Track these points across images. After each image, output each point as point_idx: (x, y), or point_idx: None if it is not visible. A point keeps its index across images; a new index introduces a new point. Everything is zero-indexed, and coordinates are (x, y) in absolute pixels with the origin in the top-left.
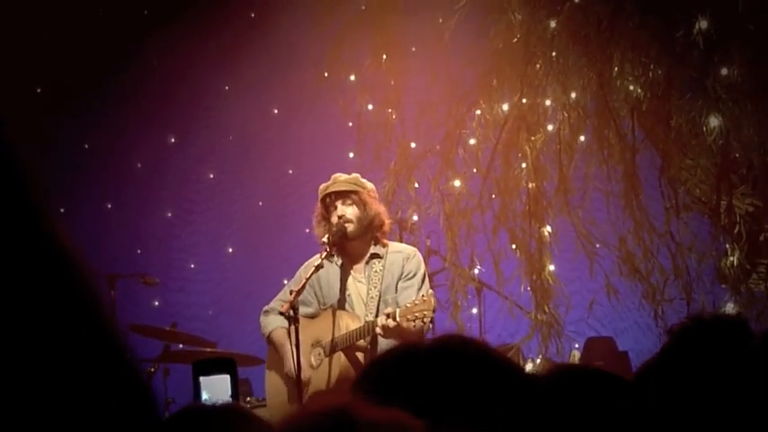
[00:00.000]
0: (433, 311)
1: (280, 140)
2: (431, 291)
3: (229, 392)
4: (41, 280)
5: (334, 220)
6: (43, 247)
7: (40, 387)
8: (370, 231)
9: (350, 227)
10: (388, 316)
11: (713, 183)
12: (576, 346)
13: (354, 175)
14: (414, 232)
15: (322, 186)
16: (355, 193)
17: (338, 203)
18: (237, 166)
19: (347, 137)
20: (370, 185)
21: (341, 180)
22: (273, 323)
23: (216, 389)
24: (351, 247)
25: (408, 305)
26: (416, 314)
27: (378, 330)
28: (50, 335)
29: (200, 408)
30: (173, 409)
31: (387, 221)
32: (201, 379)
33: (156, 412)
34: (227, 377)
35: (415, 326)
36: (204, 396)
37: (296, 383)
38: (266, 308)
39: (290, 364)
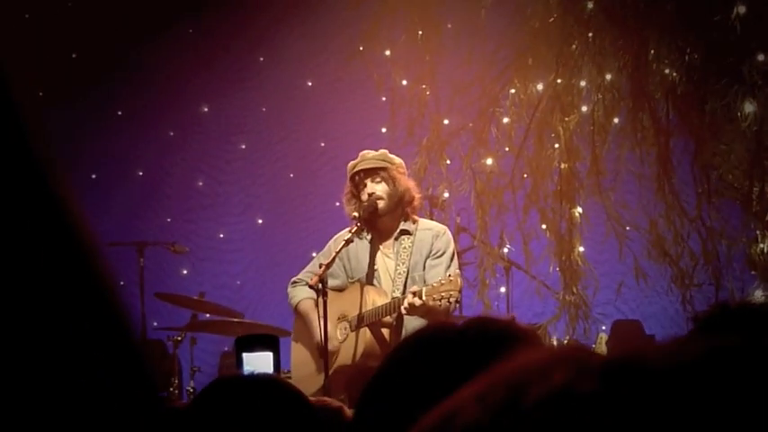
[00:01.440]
0: (460, 291)
1: (313, 113)
2: (458, 271)
3: (271, 369)
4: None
5: (364, 197)
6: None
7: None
8: (400, 207)
9: (380, 203)
10: (414, 294)
11: (746, 169)
12: (603, 328)
13: (382, 151)
14: (444, 209)
15: (351, 164)
16: (384, 169)
17: (367, 181)
18: (270, 138)
19: (380, 112)
20: (398, 160)
21: (369, 157)
22: (301, 294)
23: (259, 365)
24: (380, 223)
25: (435, 284)
26: (443, 294)
27: (403, 309)
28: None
29: (235, 378)
30: (198, 377)
31: (417, 196)
32: (244, 355)
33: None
34: (270, 354)
35: (440, 305)
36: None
37: (322, 355)
38: (294, 279)
39: (318, 336)
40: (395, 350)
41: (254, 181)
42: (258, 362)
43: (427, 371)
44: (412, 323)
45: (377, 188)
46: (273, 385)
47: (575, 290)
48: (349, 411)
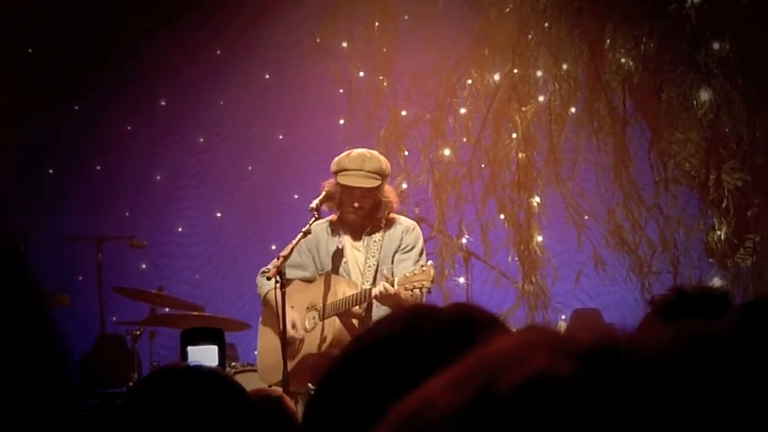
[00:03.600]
0: (432, 282)
1: (271, 106)
2: (430, 262)
3: (216, 363)
4: None
5: (347, 206)
6: None
7: None
8: (382, 215)
9: (360, 217)
10: (387, 281)
11: (702, 157)
12: (563, 317)
13: (376, 156)
14: (403, 200)
15: (340, 163)
16: (377, 188)
17: (357, 194)
18: (228, 132)
19: (338, 103)
20: (389, 170)
21: (367, 169)
22: (270, 284)
23: (203, 359)
24: (353, 221)
25: (408, 274)
26: (415, 283)
27: (375, 294)
28: None
29: (175, 368)
30: None
31: (395, 205)
32: (189, 348)
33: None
34: (215, 348)
35: (412, 295)
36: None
37: (283, 348)
38: (264, 269)
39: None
40: (363, 334)
41: (212, 175)
42: (203, 355)
43: (403, 357)
44: (381, 314)
45: (364, 203)
46: (209, 376)
47: (533, 279)
48: (291, 402)
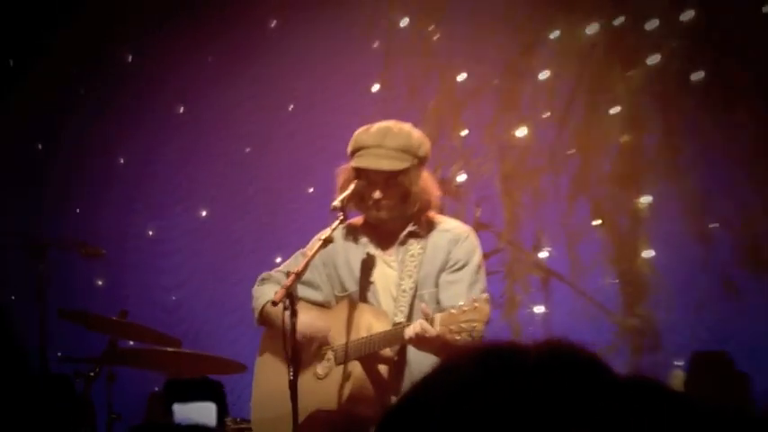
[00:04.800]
0: (486, 322)
1: (277, 63)
2: (485, 295)
3: (214, 423)
4: None
5: (368, 199)
6: None
7: None
8: (412, 210)
9: (386, 211)
10: (425, 319)
11: None
12: (680, 363)
13: (406, 129)
14: (459, 198)
15: (357, 140)
16: (404, 171)
17: (379, 179)
18: (218, 99)
19: (371, 62)
20: (424, 149)
21: (390, 146)
22: (270, 293)
23: (195, 419)
24: (383, 224)
25: (454, 311)
26: (463, 324)
27: (409, 337)
28: None
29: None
30: (118, 428)
31: (437, 198)
32: (176, 407)
33: None
34: (212, 406)
35: (459, 339)
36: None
37: (292, 398)
38: (263, 274)
39: (313, 324)
40: (418, 386)
41: (195, 158)
42: (195, 415)
43: (480, 418)
44: (420, 360)
45: (388, 193)
46: None
47: (639, 310)
48: None
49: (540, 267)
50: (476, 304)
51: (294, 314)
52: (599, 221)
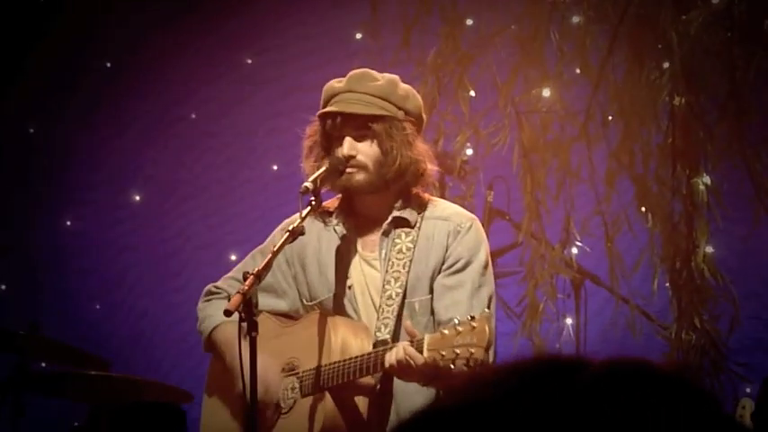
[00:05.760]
0: (487, 348)
1: (231, 6)
2: (488, 310)
3: None
4: None
5: (338, 155)
6: None
7: None
8: (395, 184)
9: (360, 177)
10: (411, 343)
11: None
12: (748, 390)
13: (388, 77)
14: (465, 177)
15: (327, 90)
16: (380, 119)
17: (348, 133)
18: (151, 45)
19: (353, 2)
20: (414, 102)
21: (359, 88)
22: (220, 314)
23: None
24: (361, 204)
25: (447, 331)
26: (457, 350)
27: (390, 364)
28: None
29: None
30: None
31: (429, 169)
32: None
33: None
34: None
35: (454, 367)
36: None
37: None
38: (210, 287)
39: (243, 395)
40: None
41: (125, 125)
42: None
43: None
44: (410, 390)
45: (361, 148)
46: None
47: (698, 322)
48: None
49: (570, 267)
50: (473, 324)
51: (254, 328)
52: (644, 208)
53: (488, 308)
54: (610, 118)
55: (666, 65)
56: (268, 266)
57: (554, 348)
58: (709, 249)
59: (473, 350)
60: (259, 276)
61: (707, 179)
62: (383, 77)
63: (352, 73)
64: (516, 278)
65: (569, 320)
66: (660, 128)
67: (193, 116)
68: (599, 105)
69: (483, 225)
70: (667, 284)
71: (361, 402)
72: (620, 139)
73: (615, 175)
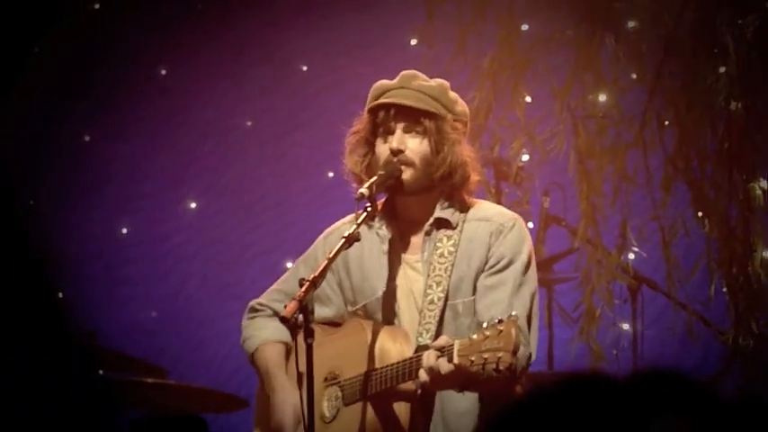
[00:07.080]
0: (514, 352)
1: (285, 15)
2: (515, 312)
3: None
4: None
5: (383, 151)
6: None
7: None
8: (441, 185)
9: (408, 173)
10: (441, 351)
11: None
12: None
13: (438, 80)
14: (521, 183)
15: (377, 87)
16: (432, 116)
17: (398, 127)
18: (205, 52)
19: (408, 8)
20: (461, 106)
21: (413, 86)
22: (264, 333)
23: None
24: (404, 207)
25: (475, 336)
26: (485, 355)
27: (420, 378)
28: None
29: None
30: None
31: (474, 177)
32: None
33: None
34: None
35: (483, 371)
36: None
37: None
38: (254, 304)
39: (287, 413)
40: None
41: (182, 131)
42: None
43: None
44: (453, 395)
45: (410, 144)
46: None
47: (755, 327)
48: None
49: (627, 272)
50: (500, 328)
51: (310, 334)
52: (701, 213)
53: (531, 307)
54: (666, 123)
55: (722, 69)
56: (324, 273)
57: (611, 354)
58: (767, 254)
59: (500, 354)
60: (315, 283)
61: (764, 183)
62: (434, 80)
63: (403, 73)
64: (572, 284)
65: (626, 326)
66: (716, 132)
67: (249, 124)
68: (655, 110)
69: (539, 231)
70: (724, 289)
71: (404, 408)
72: (676, 144)
73: (671, 180)
